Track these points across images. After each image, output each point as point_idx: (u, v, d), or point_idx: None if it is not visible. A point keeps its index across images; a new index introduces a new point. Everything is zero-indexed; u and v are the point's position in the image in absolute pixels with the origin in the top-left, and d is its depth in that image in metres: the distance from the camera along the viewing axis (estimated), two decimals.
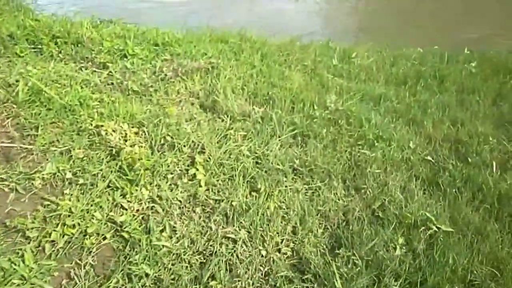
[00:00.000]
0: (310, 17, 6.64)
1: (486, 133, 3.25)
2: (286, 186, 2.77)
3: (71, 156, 2.90)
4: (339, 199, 2.71)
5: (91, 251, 2.34)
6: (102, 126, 3.13)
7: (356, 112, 3.40)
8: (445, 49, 5.27)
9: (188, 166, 2.92)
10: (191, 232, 2.51)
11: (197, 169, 2.85)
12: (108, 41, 4.46)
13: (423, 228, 2.43)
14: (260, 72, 4.04)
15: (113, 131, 3.11)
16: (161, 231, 2.50)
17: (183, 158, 2.98)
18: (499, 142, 3.19)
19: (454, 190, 2.76)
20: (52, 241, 2.36)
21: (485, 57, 4.62)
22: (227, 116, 3.38)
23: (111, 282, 2.20)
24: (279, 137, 3.22)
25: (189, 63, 3.98)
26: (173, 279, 2.26)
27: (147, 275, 2.25)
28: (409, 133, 3.29)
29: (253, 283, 2.27)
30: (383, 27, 6.07)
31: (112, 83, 3.86)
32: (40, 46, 4.41)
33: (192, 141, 3.07)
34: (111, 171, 2.81)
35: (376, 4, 6.74)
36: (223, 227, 2.53)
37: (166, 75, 3.83)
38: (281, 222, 2.55)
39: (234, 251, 2.39)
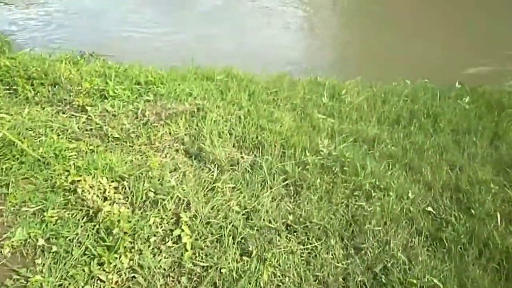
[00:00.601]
0: (298, 49, 6.56)
1: (487, 179, 3.10)
2: (280, 248, 2.55)
3: (44, 218, 2.65)
4: (338, 262, 2.49)
5: None
6: (78, 181, 2.88)
7: (350, 158, 3.22)
8: (435, 81, 5.20)
9: (172, 226, 2.68)
10: None
11: (182, 230, 2.61)
12: (87, 81, 4.25)
13: None
14: (248, 114, 3.86)
15: (91, 187, 2.86)
16: None
17: (166, 216, 2.75)
18: (501, 189, 3.05)
19: (459, 246, 2.58)
20: None
21: (477, 92, 4.53)
22: (214, 166, 3.17)
23: None
24: (270, 187, 3.02)
25: (173, 105, 3.78)
26: None
27: None
28: (407, 181, 3.12)
29: None
30: (372, 59, 5.99)
31: (91, 129, 3.64)
32: (15, 87, 4.18)
33: (177, 196, 2.85)
34: (88, 236, 2.55)
35: (363, 36, 6.69)
36: None
37: (148, 119, 3.62)
38: None
39: None
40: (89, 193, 2.81)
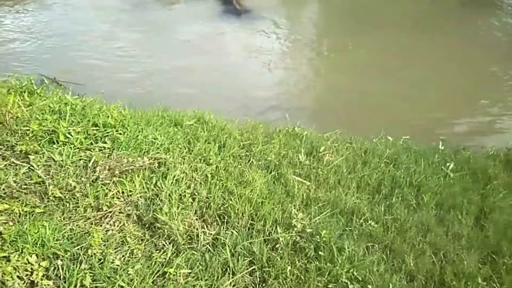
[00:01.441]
0: (277, 91, 6.23)
1: (473, 272, 2.79)
2: None
3: None
4: None
5: None
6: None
7: (326, 238, 2.85)
8: (418, 136, 4.97)
9: None
10: None
11: None
12: (37, 120, 3.75)
13: None
14: (216, 172, 3.45)
15: (15, 268, 2.37)
16: None
17: None
18: (488, 285, 2.73)
19: None
20: None
21: (461, 157, 4.29)
22: (170, 242, 2.73)
23: None
24: (233, 273, 2.60)
25: (129, 159, 3.33)
26: None
27: None
28: (388, 270, 2.77)
29: None
30: (352, 107, 5.74)
31: (31, 184, 3.14)
32: None
33: (119, 285, 2.38)
34: None
35: (346, 82, 6.46)
36: None
37: (99, 176, 3.16)
38: None
39: None
40: (11, 278, 2.31)
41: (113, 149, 3.58)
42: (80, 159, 3.45)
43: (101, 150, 3.61)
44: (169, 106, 4.85)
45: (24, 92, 4.63)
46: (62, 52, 7.01)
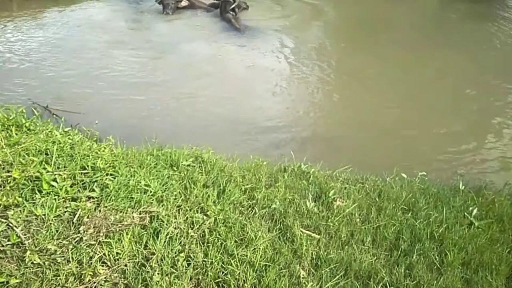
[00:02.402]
0: (283, 120, 5.86)
1: None
2: None
3: None
4: None
5: None
6: None
7: None
8: (433, 172, 4.62)
9: None
10: None
11: None
12: (20, 165, 3.44)
13: None
14: (215, 226, 3.10)
15: None
16: None
17: None
18: None
19: None
20: None
21: (484, 199, 3.91)
22: None
23: None
24: None
25: (118, 217, 2.99)
26: None
27: None
28: None
29: None
30: (363, 139, 5.37)
31: (8, 246, 2.81)
32: None
33: None
34: None
35: (356, 111, 6.10)
36: None
37: (82, 238, 2.82)
38: None
39: None
40: None
41: (101, 199, 3.25)
42: (65, 211, 3.12)
43: (89, 199, 3.29)
44: (167, 139, 4.54)
45: (12, 126, 4.36)
46: (56, 76, 6.72)
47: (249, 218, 3.27)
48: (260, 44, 8.42)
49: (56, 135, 4.16)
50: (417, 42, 9.14)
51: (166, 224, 3.02)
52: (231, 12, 10.15)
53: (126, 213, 3.10)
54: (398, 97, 6.51)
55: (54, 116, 5.53)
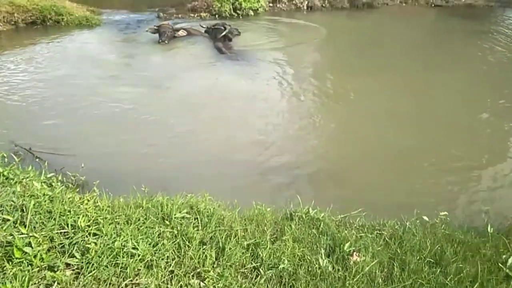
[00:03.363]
0: (287, 156, 5.44)
1: None
2: None
3: None
4: None
5: None
6: None
7: None
8: (454, 211, 4.19)
9: None
10: None
11: None
12: None
13: None
14: None
15: None
16: None
17: None
18: None
19: None
20: None
21: None
22: None
23: None
24: None
25: None
26: None
27: None
28: None
29: None
30: (369, 170, 4.96)
31: None
32: None
33: None
34: None
35: (357, 140, 5.71)
36: None
37: None
38: None
39: None
40: None
41: (82, 266, 2.79)
42: (39, 285, 2.67)
43: (68, 266, 2.84)
44: (159, 184, 4.12)
45: None
46: (42, 114, 6.32)
47: (253, 284, 2.81)
48: (257, 72, 8.13)
49: (35, 187, 3.72)
50: (420, 63, 8.90)
51: None
52: (223, 39, 9.90)
53: (110, 284, 2.64)
54: (406, 125, 6.14)
55: (37, 159, 5.10)
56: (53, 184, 4.34)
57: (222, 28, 10.02)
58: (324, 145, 5.70)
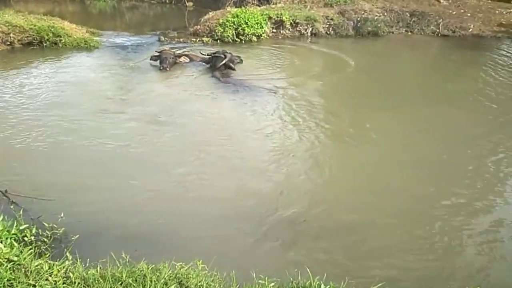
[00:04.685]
0: (289, 208, 4.90)
1: None
2: None
3: None
4: None
5: None
6: None
7: None
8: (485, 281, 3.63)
9: None
10: None
11: None
12: None
13: None
14: None
15: None
16: None
17: None
18: None
19: None
20: None
21: None
22: None
23: None
24: None
25: None
26: None
27: None
28: None
29: None
30: (384, 231, 4.43)
31: None
32: None
33: None
34: None
35: (370, 189, 5.20)
36: None
37: None
38: None
39: None
40: None
41: None
42: None
43: None
44: (146, 243, 3.59)
45: None
46: (24, 148, 5.79)
47: None
48: (261, 105, 7.65)
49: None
50: (427, 97, 8.49)
51: None
52: (223, 68, 9.48)
53: None
54: (425, 172, 5.61)
55: (13, 204, 4.56)
56: (25, 238, 3.83)
57: (222, 56, 9.60)
58: (336, 195, 5.15)
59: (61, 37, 11.41)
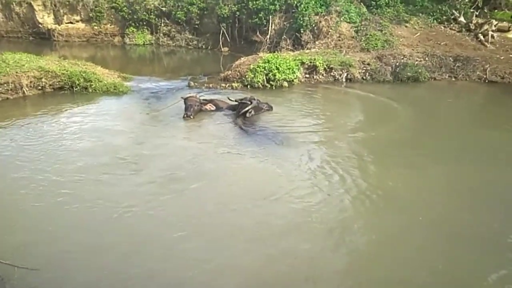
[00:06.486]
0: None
1: None
2: None
3: None
4: None
5: None
6: None
7: None
8: None
9: None
10: None
11: None
12: None
13: None
14: None
15: None
16: None
17: None
18: None
19: None
20: None
21: None
22: None
23: None
24: None
25: None
26: None
27: None
28: None
29: None
30: None
31: None
32: None
33: None
34: None
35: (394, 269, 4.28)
36: None
37: None
38: None
39: None
40: None
41: None
42: None
43: None
44: None
45: None
46: (25, 209, 5.26)
47: None
48: (284, 157, 6.94)
49: None
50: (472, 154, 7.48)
51: None
52: (246, 115, 8.95)
53: None
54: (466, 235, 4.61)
55: None
56: None
57: (249, 103, 9.10)
58: (353, 265, 4.27)
59: (91, 82, 11.42)
